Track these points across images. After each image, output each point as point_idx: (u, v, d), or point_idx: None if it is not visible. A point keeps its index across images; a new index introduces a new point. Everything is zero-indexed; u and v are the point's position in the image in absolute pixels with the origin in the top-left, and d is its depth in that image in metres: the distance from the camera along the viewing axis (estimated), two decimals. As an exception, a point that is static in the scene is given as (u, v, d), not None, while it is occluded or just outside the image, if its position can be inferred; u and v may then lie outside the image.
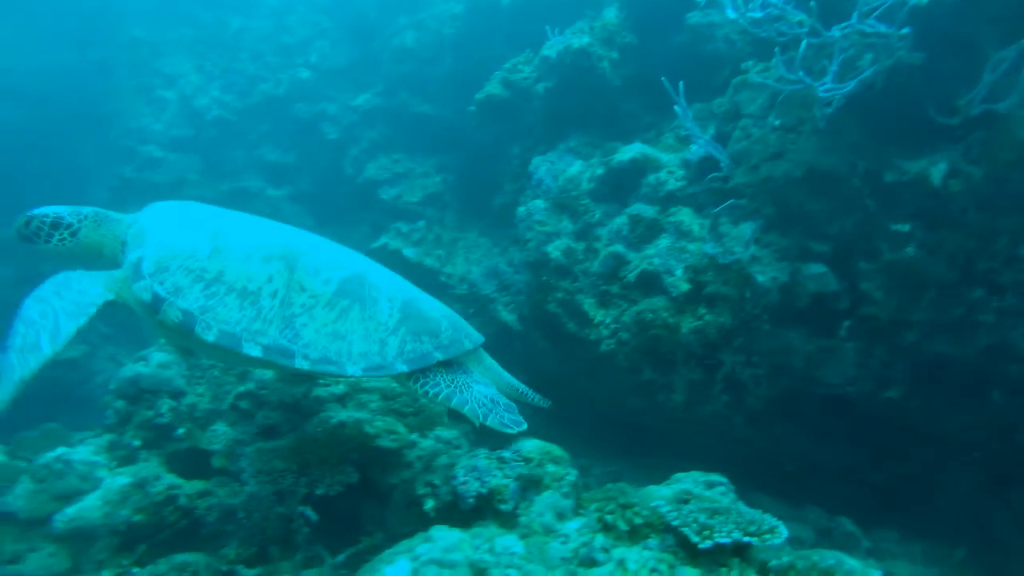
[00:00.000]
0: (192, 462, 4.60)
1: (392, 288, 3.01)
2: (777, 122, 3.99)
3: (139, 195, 10.31)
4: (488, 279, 6.75)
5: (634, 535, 2.43)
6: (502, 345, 6.50)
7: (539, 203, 5.25)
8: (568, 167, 5.32)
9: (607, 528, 2.50)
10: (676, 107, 4.36)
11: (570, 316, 4.96)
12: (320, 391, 4.63)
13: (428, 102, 9.06)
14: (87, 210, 2.89)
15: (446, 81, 8.83)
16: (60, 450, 4.40)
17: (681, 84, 4.38)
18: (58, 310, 2.52)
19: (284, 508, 4.05)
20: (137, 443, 4.67)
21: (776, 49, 3.77)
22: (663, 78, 4.30)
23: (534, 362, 6.12)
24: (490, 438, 5.44)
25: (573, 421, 5.92)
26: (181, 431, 4.68)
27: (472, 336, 3.19)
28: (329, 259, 2.93)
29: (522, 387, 3.37)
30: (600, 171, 5.11)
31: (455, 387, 2.90)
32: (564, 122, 5.71)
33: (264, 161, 10.28)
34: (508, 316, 6.35)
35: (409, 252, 7.12)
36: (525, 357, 6.28)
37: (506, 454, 3.03)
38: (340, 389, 4.70)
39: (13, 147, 11.28)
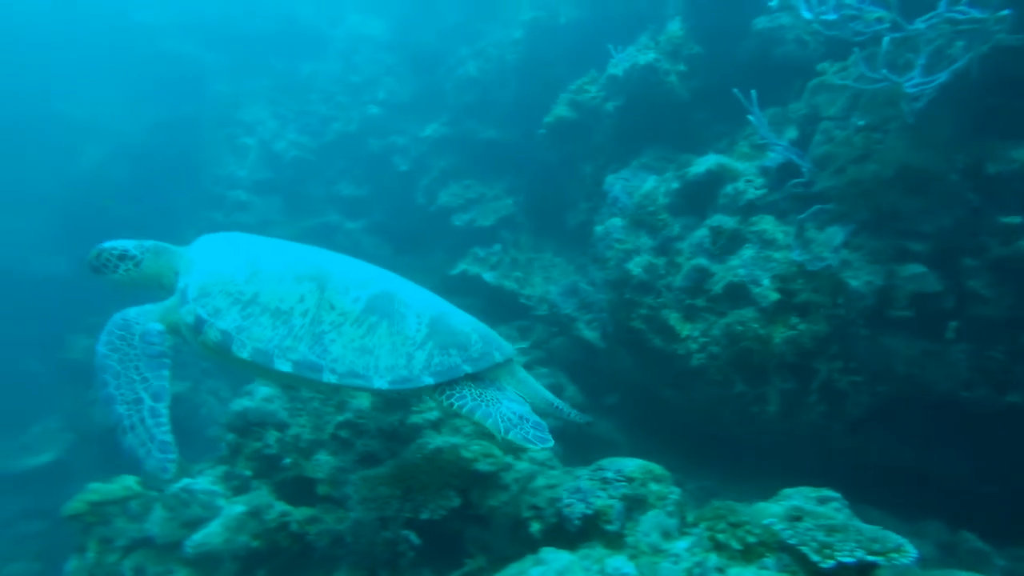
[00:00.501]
0: (299, 490, 4.83)
1: (421, 304, 3.08)
2: (862, 122, 3.88)
3: (229, 237, 11.04)
4: (567, 298, 6.80)
5: (748, 554, 2.40)
6: (586, 363, 6.54)
7: (616, 221, 5.27)
8: (643, 183, 5.33)
9: (719, 547, 2.48)
10: (750, 116, 4.32)
11: (656, 332, 4.94)
12: (415, 418, 4.79)
13: (494, 127, 9.27)
14: (149, 243, 3.12)
15: (511, 105, 9.02)
16: (184, 481, 4.70)
17: (754, 93, 4.34)
18: (139, 361, 2.76)
19: (389, 533, 4.21)
20: (248, 473, 4.94)
21: (855, 49, 3.68)
22: (735, 90, 4.28)
23: (620, 378, 6.12)
24: (577, 457, 5.49)
25: (660, 434, 5.86)
26: (287, 461, 4.92)
27: (504, 349, 3.19)
28: (359, 278, 3.03)
29: (558, 402, 3.36)
30: (676, 185, 5.09)
31: (481, 400, 2.88)
32: (635, 138, 5.73)
33: (341, 196, 10.74)
34: (591, 334, 6.36)
35: (488, 276, 7.27)
36: (610, 374, 6.29)
37: (608, 474, 3.05)
38: (434, 416, 4.85)
39: (121, 198, 12.29)
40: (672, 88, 5.48)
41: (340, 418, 4.90)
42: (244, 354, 2.71)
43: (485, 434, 4.86)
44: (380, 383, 2.75)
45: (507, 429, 2.72)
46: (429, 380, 2.84)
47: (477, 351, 2.99)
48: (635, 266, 5.05)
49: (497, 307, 7.21)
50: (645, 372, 5.56)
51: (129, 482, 5.07)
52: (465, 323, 3.16)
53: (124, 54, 13.20)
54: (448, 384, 2.90)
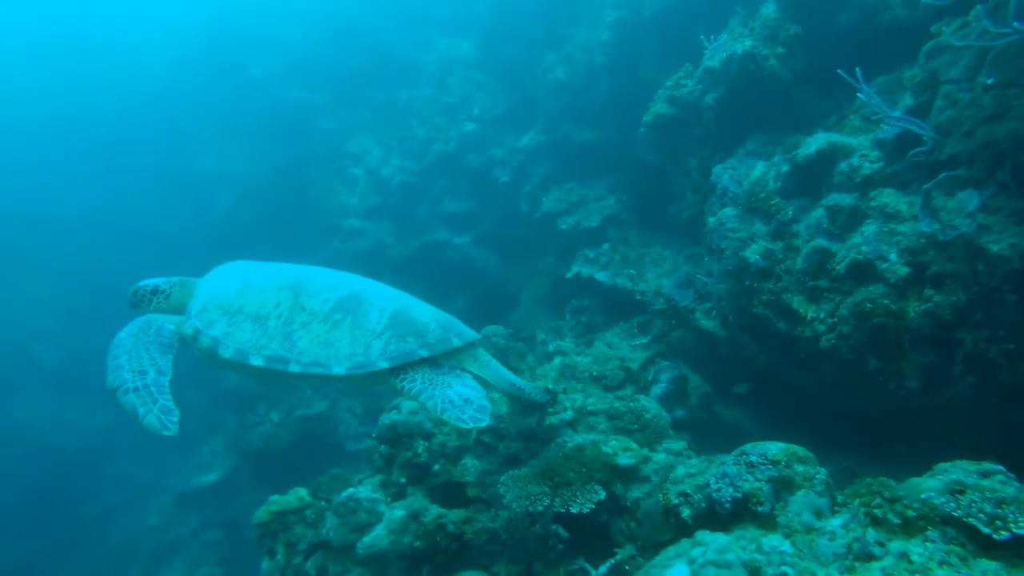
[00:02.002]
0: (450, 493, 5.23)
1: (386, 301, 3.30)
2: (991, 80, 3.73)
3: (348, 263, 11.87)
4: (682, 289, 6.86)
5: (909, 528, 2.44)
6: (708, 352, 6.57)
7: (728, 211, 5.31)
8: (751, 170, 5.33)
9: (877, 522, 2.53)
10: (860, 94, 4.25)
11: (779, 316, 4.94)
12: (552, 419, 5.06)
13: (589, 129, 9.45)
14: (175, 279, 3.59)
15: (603, 106, 9.17)
16: (349, 490, 5.23)
17: (859, 71, 4.27)
18: (150, 346, 3.11)
19: (539, 528, 4.51)
20: (403, 480, 5.41)
21: (978, 6, 3.56)
22: (840, 71, 4.22)
23: (744, 365, 6.12)
24: (709, 446, 5.55)
25: (790, 418, 5.81)
26: (437, 467, 5.34)
27: (464, 336, 3.37)
28: (331, 283, 3.33)
29: (520, 383, 3.49)
30: (785, 168, 5.06)
31: (430, 384, 3.04)
32: (738, 127, 5.72)
33: (446, 213, 11.27)
34: (709, 324, 6.40)
35: (601, 276, 7.45)
36: (734, 362, 6.29)
37: (753, 458, 3.16)
38: (569, 415, 5.11)
39: (248, 238, 13.52)
40: (772, 72, 5.44)
41: (481, 425, 5.26)
42: (227, 355, 3.09)
43: (621, 430, 5.08)
44: (339, 370, 3.01)
45: (444, 410, 2.93)
46: (384, 364, 3.05)
47: (435, 338, 3.19)
48: (752, 253, 5.07)
49: (613, 305, 7.38)
50: (771, 357, 5.54)
51: (302, 493, 5.68)
52: (427, 315, 3.37)
53: (244, 107, 14.50)
54: (404, 368, 3.10)
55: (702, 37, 6.15)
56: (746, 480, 3.07)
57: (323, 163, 13.41)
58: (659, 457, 4.67)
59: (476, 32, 12.41)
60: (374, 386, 3.29)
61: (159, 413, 2.83)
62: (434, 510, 4.96)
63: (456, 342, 3.27)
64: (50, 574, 12.56)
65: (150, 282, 3.48)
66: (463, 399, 3.00)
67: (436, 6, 14.01)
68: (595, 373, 6.04)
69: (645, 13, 8.30)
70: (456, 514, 4.95)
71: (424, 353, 3.12)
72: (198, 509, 11.61)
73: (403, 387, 3.06)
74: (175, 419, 2.81)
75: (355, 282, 3.43)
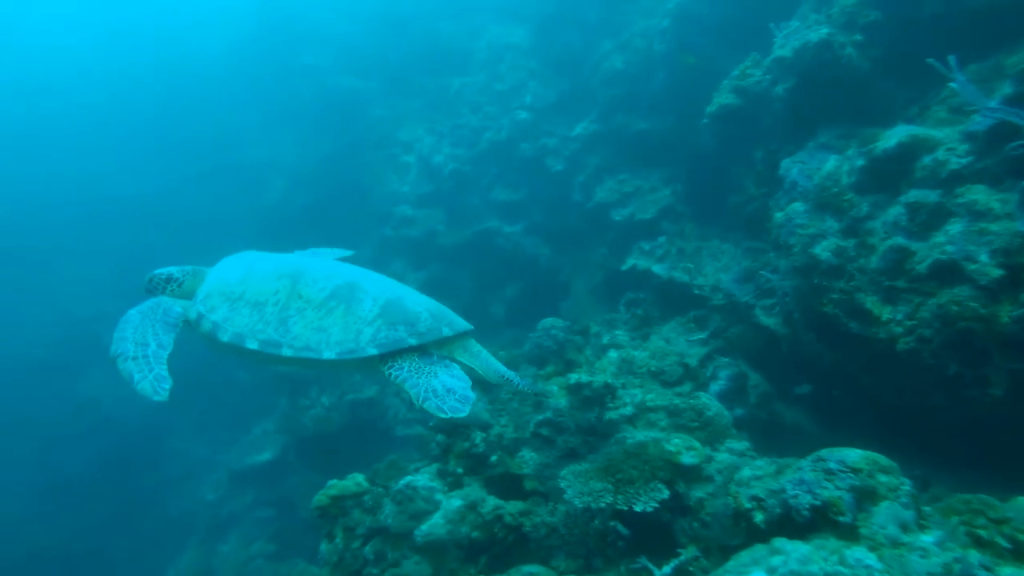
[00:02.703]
0: (506, 485, 5.24)
1: (381, 291, 3.31)
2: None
3: (398, 250, 11.99)
4: (741, 284, 6.69)
5: (1021, 555, 2.32)
6: (768, 350, 6.41)
7: (797, 206, 5.13)
8: (822, 164, 5.13)
9: (981, 544, 2.41)
10: (953, 84, 4.03)
11: (851, 316, 4.77)
12: (611, 414, 5.02)
13: (645, 119, 9.26)
14: (188, 268, 3.66)
15: (660, 95, 8.97)
16: (407, 479, 5.29)
17: (952, 59, 4.04)
18: (156, 323, 3.23)
19: (598, 523, 4.48)
20: (460, 470, 5.44)
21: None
22: (931, 60, 4.01)
23: (808, 365, 5.94)
24: (769, 446, 5.42)
25: (856, 422, 5.62)
26: (494, 458, 5.35)
27: (455, 325, 3.33)
28: (328, 272, 3.36)
29: (510, 374, 3.39)
30: (861, 162, 4.85)
31: (416, 372, 3.05)
32: (809, 118, 5.51)
33: (498, 202, 11.25)
34: (771, 320, 6.23)
35: (658, 269, 7.33)
36: (797, 361, 6.12)
37: (831, 465, 3.06)
38: (629, 411, 5.05)
39: (298, 224, 13.77)
40: (849, 61, 5.21)
41: (539, 417, 5.25)
42: (225, 338, 3.16)
43: (682, 427, 5.00)
44: (329, 354, 3.05)
45: (425, 399, 2.91)
46: (373, 351, 3.08)
47: (425, 327, 3.19)
48: (822, 250, 4.90)
49: (669, 299, 7.26)
50: (837, 357, 5.36)
51: (359, 479, 5.77)
52: (419, 304, 3.35)
53: (296, 94, 14.72)
54: (392, 355, 3.12)
55: (771, 25, 5.94)
56: (825, 488, 2.97)
57: (374, 150, 13.52)
58: (722, 457, 4.58)
59: (529, 19, 12.29)
60: (366, 372, 3.44)
61: (153, 380, 2.95)
62: (492, 501, 4.97)
63: (447, 332, 3.27)
64: (117, 539, 13.19)
65: (165, 270, 3.62)
66: (446, 389, 2.99)
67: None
68: (653, 368, 5.96)
69: (706, 2, 8.08)
70: (514, 506, 4.96)
71: (413, 341, 3.14)
72: (251, 486, 11.96)
73: (389, 374, 3.10)
74: (167, 387, 2.92)
75: (353, 273, 3.47)
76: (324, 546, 5.52)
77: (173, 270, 3.59)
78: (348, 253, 4.61)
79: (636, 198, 8.81)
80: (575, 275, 10.16)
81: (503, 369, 3.40)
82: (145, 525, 13.36)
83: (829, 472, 3.08)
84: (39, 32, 22.41)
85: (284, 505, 11.39)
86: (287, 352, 3.08)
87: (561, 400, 5.22)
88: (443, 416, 2.84)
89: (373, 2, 14.94)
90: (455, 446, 5.59)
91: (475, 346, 3.48)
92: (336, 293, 3.23)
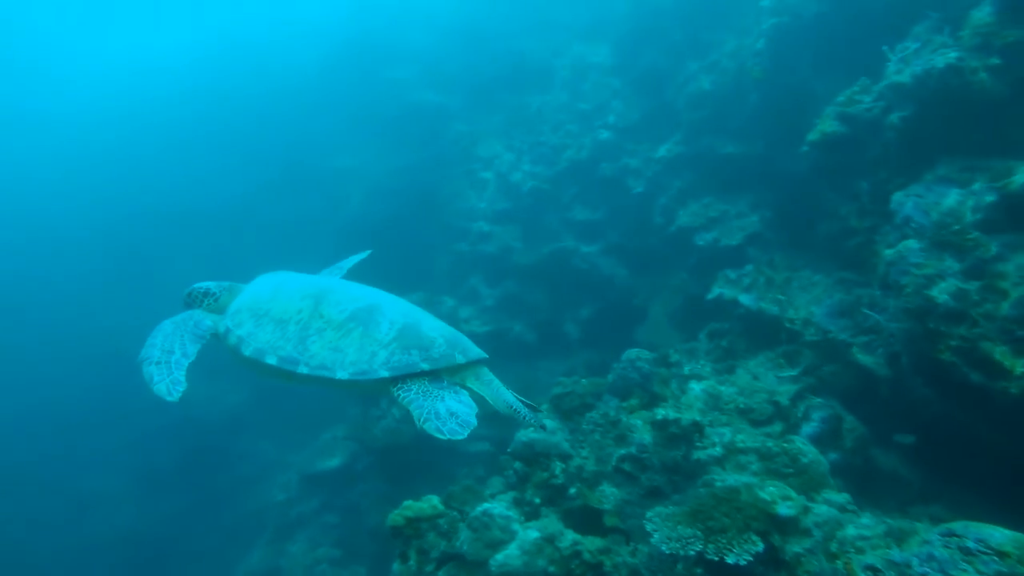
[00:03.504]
0: (585, 519, 5.08)
1: (399, 316, 3.39)
2: None
3: (474, 266, 12.04)
4: (835, 319, 6.32)
5: None
6: (865, 392, 6.01)
7: (911, 243, 4.78)
8: (942, 198, 4.77)
9: None
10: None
11: (972, 365, 4.38)
12: (699, 454, 4.79)
13: (733, 142, 8.97)
14: (225, 283, 3.83)
15: (750, 118, 8.67)
16: (484, 506, 5.22)
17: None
18: (185, 334, 3.43)
19: (682, 569, 4.27)
20: (537, 500, 5.32)
21: None
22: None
23: (910, 410, 5.53)
24: (862, 493, 5.05)
25: (966, 476, 5.19)
26: (573, 490, 5.21)
27: (469, 353, 3.35)
28: (351, 295, 3.46)
29: (517, 405, 3.34)
30: (991, 198, 4.48)
31: (423, 395, 3.07)
32: (927, 149, 5.14)
33: (576, 221, 11.13)
34: (868, 360, 5.84)
35: (745, 299, 7.02)
36: (897, 404, 5.71)
37: (969, 543, 2.77)
38: (718, 451, 4.82)
39: (376, 235, 14.04)
40: (982, 87, 4.81)
41: (622, 451, 5.08)
42: (247, 352, 3.30)
43: (775, 472, 4.72)
44: (342, 375, 3.14)
45: (425, 420, 2.93)
46: (385, 373, 3.14)
47: (438, 352, 3.24)
48: (940, 293, 4.54)
49: (756, 331, 6.93)
50: (949, 407, 4.96)
51: (434, 501, 5.73)
52: (435, 330, 3.40)
53: (378, 108, 15.09)
54: (404, 378, 3.16)
55: (885, 48, 5.60)
56: (963, 571, 2.68)
57: (453, 165, 13.67)
58: (821, 509, 4.29)
59: (612, 38, 12.17)
60: (377, 393, 3.47)
61: (169, 383, 3.14)
62: (570, 535, 4.83)
63: (459, 359, 3.28)
64: (195, 529, 13.77)
65: (203, 285, 3.79)
66: (449, 412, 2.99)
67: (571, 11, 13.89)
68: (741, 406, 5.68)
69: (805, 22, 7.74)
70: (592, 542, 4.80)
71: (425, 367, 3.18)
72: (319, 490, 12.20)
73: (398, 395, 3.11)
74: (180, 390, 3.12)
75: (376, 296, 3.55)
76: (397, 566, 5.50)
77: (211, 285, 3.79)
78: (364, 255, 4.73)
79: (721, 223, 8.51)
80: (652, 299, 9.91)
81: (512, 399, 3.40)
82: (220, 518, 13.86)
83: (967, 552, 2.79)
84: (134, 48, 24.09)
85: (350, 512, 11.55)
86: (303, 370, 3.19)
87: (645, 435, 5.03)
88: (441, 438, 2.85)
89: (457, 19, 15.18)
90: (533, 475, 5.49)
91: (487, 375, 3.49)
92: (355, 315, 3.32)
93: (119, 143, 20.67)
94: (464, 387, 3.30)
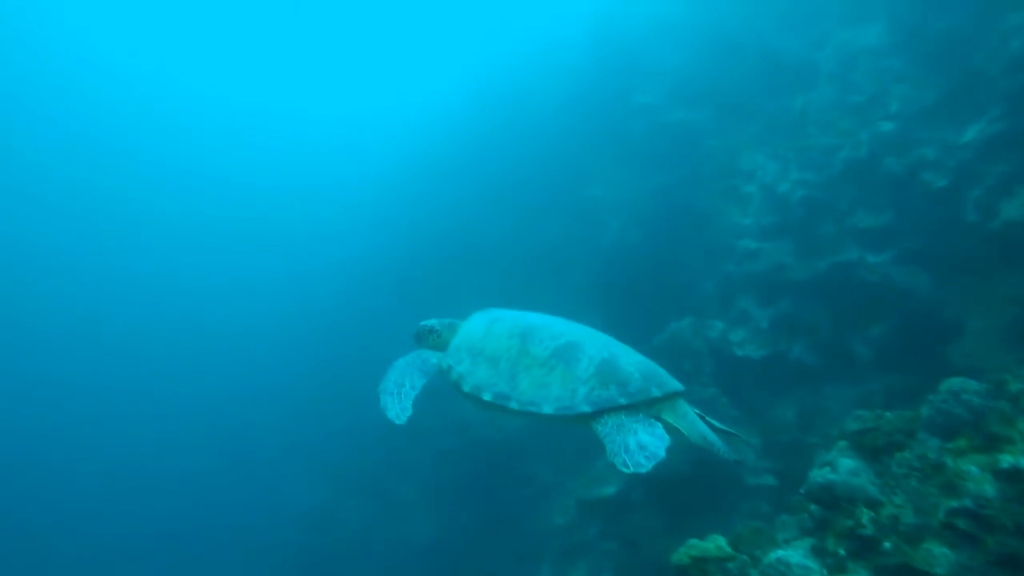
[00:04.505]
0: (907, 580, 4.34)
1: (597, 351, 3.56)
2: None
3: (743, 286, 11.33)
4: None
5: None
6: None
7: None
8: None
9: None
10: None
11: None
12: (1070, 515, 3.78)
13: (1076, 109, 7.14)
14: (447, 321, 4.30)
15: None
16: (779, 552, 4.79)
17: None
18: (414, 370, 3.92)
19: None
20: (842, 552, 4.70)
21: None
22: None
23: None
24: None
25: None
26: (888, 545, 4.50)
27: (665, 386, 3.44)
28: (555, 332, 3.71)
29: (712, 438, 3.38)
30: None
31: (618, 429, 3.19)
32: None
33: (857, 229, 9.83)
34: None
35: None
36: None
37: None
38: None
39: (636, 261, 14.08)
40: None
41: (953, 503, 4.23)
42: (467, 388, 3.67)
43: None
44: (548, 409, 3.39)
45: (615, 453, 3.07)
46: (586, 408, 3.33)
47: (635, 387, 3.37)
48: None
49: None
50: None
51: (721, 542, 5.43)
52: (632, 364, 3.52)
53: (629, 134, 15.23)
54: (603, 412, 3.32)
55: None
56: None
57: (709, 182, 13.13)
58: None
59: (886, 13, 10.64)
60: (578, 426, 3.67)
61: (399, 410, 3.70)
62: (889, 599, 4.17)
63: (655, 392, 3.41)
64: (484, 546, 15.09)
65: (429, 322, 4.32)
66: (639, 445, 3.13)
67: (829, -4, 12.55)
68: None
69: None
70: (917, 610, 4.08)
71: (623, 401, 3.35)
72: (597, 518, 12.41)
73: (597, 429, 3.30)
74: (406, 416, 3.68)
75: (576, 333, 3.79)
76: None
77: (435, 322, 4.32)
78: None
79: (1069, 213, 6.78)
80: (969, 311, 8.25)
81: (707, 431, 3.45)
82: (506, 537, 14.93)
83: None
84: (416, 98, 28.24)
85: (627, 542, 11.53)
86: (514, 405, 3.50)
87: (985, 486, 4.13)
88: (626, 471, 3.00)
89: (702, 31, 14.69)
90: (835, 522, 4.88)
91: (683, 407, 3.60)
92: (557, 352, 3.58)
93: (411, 180, 24.05)
94: (660, 419, 3.43)
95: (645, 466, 3.06)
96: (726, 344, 10.83)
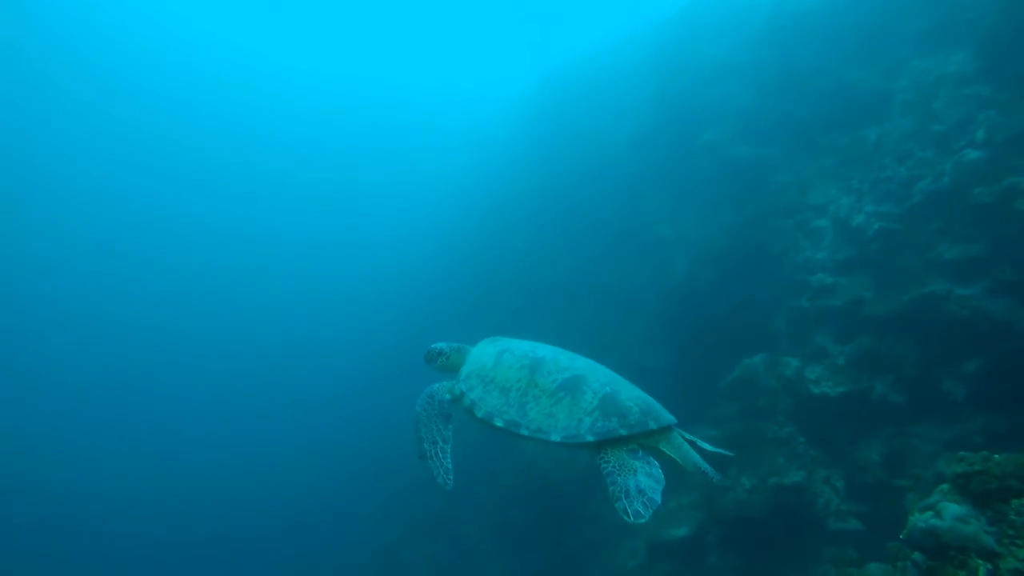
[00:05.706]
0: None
1: (600, 386, 3.82)
2: None
3: (818, 322, 10.96)
4: None
5: None
6: None
7: None
8: None
9: None
10: None
11: None
12: None
13: None
14: (455, 345, 4.52)
15: None
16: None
17: None
18: (435, 418, 4.13)
19: None
20: (950, 602, 4.41)
21: None
22: None
23: None
24: None
25: None
26: (1004, 596, 4.20)
27: (660, 420, 3.67)
28: (561, 365, 3.96)
29: (704, 466, 3.58)
30: None
31: (620, 469, 3.43)
32: None
33: (943, 260, 9.42)
34: None
35: None
36: None
37: None
38: None
39: (705, 300, 13.81)
40: None
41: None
42: (480, 415, 3.93)
43: None
44: (555, 437, 3.66)
45: (617, 499, 3.26)
46: (590, 438, 3.61)
47: (634, 419, 3.63)
48: None
49: None
50: None
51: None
52: (632, 399, 3.77)
53: (696, 172, 15.19)
54: (606, 443, 3.62)
55: None
56: None
57: (780, 218, 12.89)
58: None
59: (969, 39, 10.36)
60: (581, 454, 4.00)
61: (444, 474, 3.92)
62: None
63: (652, 425, 3.65)
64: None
65: (438, 345, 4.53)
66: (638, 489, 3.30)
67: (904, 24, 12.32)
68: None
69: None
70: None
71: (623, 432, 3.59)
72: (667, 560, 11.99)
73: (600, 464, 3.53)
74: (451, 478, 3.91)
75: (582, 367, 4.01)
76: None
77: (443, 346, 4.55)
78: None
79: None
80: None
81: (699, 461, 3.65)
82: (574, 578, 14.56)
83: None
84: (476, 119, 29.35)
85: (707, 586, 11.06)
86: (524, 432, 3.76)
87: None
88: (627, 520, 3.15)
89: (770, 66, 14.65)
90: (944, 572, 4.59)
91: (678, 438, 3.80)
92: (564, 385, 3.84)
93: (483, 223, 24.81)
94: (657, 449, 3.70)
95: (643, 516, 3.24)
96: (802, 382, 10.45)
